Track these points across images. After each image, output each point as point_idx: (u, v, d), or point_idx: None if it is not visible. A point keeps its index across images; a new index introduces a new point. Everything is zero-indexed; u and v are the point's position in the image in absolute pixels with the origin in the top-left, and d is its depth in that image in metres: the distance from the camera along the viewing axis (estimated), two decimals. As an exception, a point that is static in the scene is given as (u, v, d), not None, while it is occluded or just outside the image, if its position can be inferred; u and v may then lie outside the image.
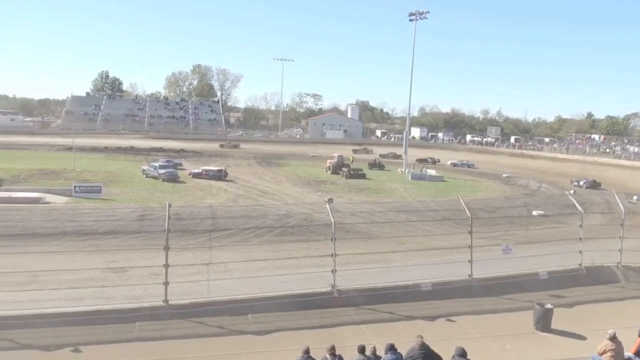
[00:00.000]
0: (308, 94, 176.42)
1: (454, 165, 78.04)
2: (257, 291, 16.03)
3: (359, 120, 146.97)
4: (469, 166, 77.19)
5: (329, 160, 62.12)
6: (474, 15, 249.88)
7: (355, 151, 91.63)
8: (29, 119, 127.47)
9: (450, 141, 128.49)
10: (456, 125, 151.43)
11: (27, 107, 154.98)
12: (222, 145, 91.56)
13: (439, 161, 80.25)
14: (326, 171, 60.39)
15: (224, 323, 14.24)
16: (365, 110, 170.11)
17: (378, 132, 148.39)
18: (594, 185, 56.19)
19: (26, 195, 33.79)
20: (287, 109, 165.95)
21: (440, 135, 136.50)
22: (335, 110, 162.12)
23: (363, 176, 56.42)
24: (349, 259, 17.74)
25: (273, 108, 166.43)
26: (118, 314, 14.17)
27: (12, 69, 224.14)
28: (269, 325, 14.24)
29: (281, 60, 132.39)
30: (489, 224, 27.17)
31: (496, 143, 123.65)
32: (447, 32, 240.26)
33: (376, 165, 67.76)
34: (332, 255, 15.76)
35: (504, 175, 65.53)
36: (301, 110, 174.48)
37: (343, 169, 58.04)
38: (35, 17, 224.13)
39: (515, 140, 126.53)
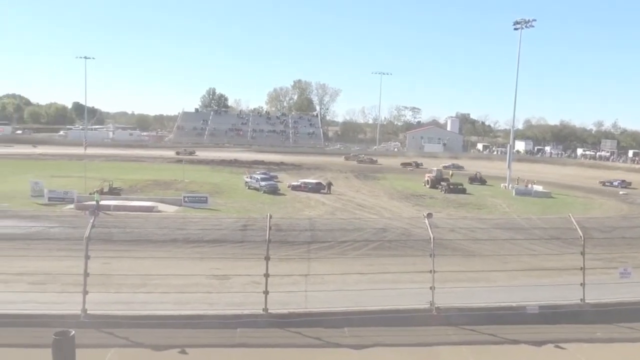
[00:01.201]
0: (406, 107, 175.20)
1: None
2: (353, 304, 15.96)
3: (459, 133, 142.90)
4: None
5: (427, 174, 60.99)
6: (582, 22, 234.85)
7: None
8: (145, 133, 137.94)
9: (559, 155, 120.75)
10: (565, 139, 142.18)
11: (143, 122, 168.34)
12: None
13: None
14: (424, 185, 59.29)
15: (321, 335, 14.31)
16: (466, 123, 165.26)
17: (479, 146, 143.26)
18: None
19: (141, 204, 36.55)
20: (384, 123, 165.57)
21: (547, 148, 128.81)
22: (434, 123, 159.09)
23: (463, 191, 54.66)
24: (448, 276, 17.15)
25: (371, 121, 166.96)
26: (221, 319, 14.74)
27: (131, 88, 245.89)
28: (365, 339, 14.09)
29: (379, 73, 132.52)
30: (604, 245, 25.05)
31: (611, 157, 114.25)
32: (554, 41, 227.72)
33: (477, 179, 65.39)
34: (430, 271, 15.32)
35: (620, 193, 60.31)
36: (399, 124, 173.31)
37: (442, 183, 56.66)
38: (152, 43, 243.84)
39: (634, 154, 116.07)
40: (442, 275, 15.72)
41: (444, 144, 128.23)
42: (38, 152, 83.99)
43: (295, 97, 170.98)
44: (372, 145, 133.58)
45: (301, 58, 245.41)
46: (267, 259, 15.17)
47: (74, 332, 13.05)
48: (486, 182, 65.38)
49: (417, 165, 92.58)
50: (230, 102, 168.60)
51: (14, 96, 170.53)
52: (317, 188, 49.55)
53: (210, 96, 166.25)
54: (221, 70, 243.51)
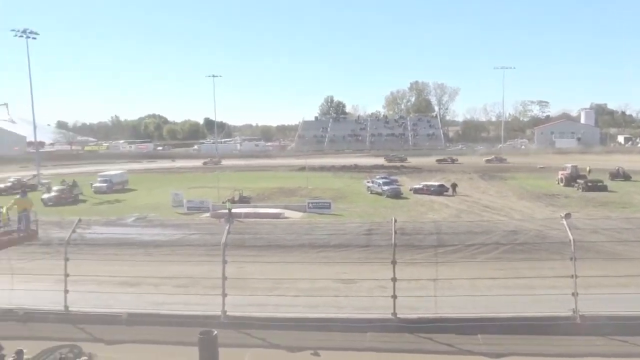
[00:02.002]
0: (532, 102, 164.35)
1: None
2: (485, 311, 15.30)
3: (595, 125, 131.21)
4: None
5: (560, 172, 56.66)
6: None
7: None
8: (269, 143, 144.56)
9: None
10: None
11: (267, 133, 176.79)
12: (439, 161, 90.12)
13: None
14: (558, 183, 55.15)
15: (453, 341, 13.88)
16: (603, 115, 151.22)
17: (620, 138, 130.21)
18: None
19: (269, 211, 38.28)
20: (509, 119, 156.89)
21: None
22: (565, 116, 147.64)
23: (603, 188, 49.91)
24: (591, 281, 15.76)
25: (494, 119, 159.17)
26: (350, 323, 14.91)
27: (254, 101, 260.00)
28: (501, 347, 13.41)
29: (501, 68, 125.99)
30: None
31: None
32: None
33: (619, 175, 59.28)
34: (572, 276, 14.18)
35: None
36: (525, 120, 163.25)
37: (578, 180, 52.24)
38: (271, 58, 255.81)
39: None
40: (584, 280, 14.48)
41: (578, 138, 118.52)
42: (177, 166, 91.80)
43: (413, 99, 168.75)
44: (496, 144, 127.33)
45: (417, 59, 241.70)
46: (394, 263, 15.07)
47: (216, 332, 14.02)
48: (631, 177, 59.10)
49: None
50: (348, 109, 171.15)
51: (154, 116, 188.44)
52: (440, 190, 48.34)
53: (329, 104, 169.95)
54: (338, 78, 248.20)
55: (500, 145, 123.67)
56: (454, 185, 49.36)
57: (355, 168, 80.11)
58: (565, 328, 14.02)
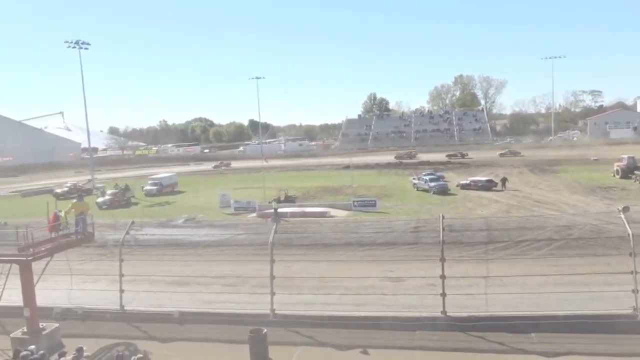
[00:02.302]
0: (584, 91, 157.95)
1: None
2: (538, 308, 14.89)
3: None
4: None
5: (616, 163, 54.25)
6: None
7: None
8: (312, 143, 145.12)
9: None
10: None
11: (310, 132, 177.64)
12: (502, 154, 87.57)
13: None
14: (614, 176, 52.84)
15: (505, 340, 13.59)
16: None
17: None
18: None
19: (315, 210, 38.42)
20: (559, 111, 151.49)
21: None
22: (620, 105, 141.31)
23: (664, 180, 47.48)
24: (653, 277, 15.06)
25: (543, 111, 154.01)
26: (399, 322, 14.83)
27: (297, 101, 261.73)
28: (557, 347, 13.02)
29: (550, 58, 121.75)
30: None
31: None
32: None
33: (682, 165, 56.13)
34: (631, 272, 13.62)
35: None
36: (577, 110, 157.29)
37: (636, 172, 49.87)
38: (313, 58, 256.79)
39: None
40: (645, 276, 13.87)
41: (634, 128, 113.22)
42: (223, 168, 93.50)
43: (458, 93, 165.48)
44: (546, 136, 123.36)
45: (462, 53, 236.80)
46: (443, 260, 14.89)
47: (266, 330, 14.22)
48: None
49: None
50: (391, 105, 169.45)
51: (200, 119, 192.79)
52: (488, 186, 47.22)
53: (372, 101, 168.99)
54: (381, 75, 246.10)
55: (550, 138, 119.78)
56: (504, 180, 48.09)
57: (400, 165, 79.41)
58: (624, 326, 13.49)
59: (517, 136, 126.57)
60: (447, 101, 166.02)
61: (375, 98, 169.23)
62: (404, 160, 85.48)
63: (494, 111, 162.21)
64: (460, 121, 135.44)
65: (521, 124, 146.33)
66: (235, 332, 15.13)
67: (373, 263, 21.73)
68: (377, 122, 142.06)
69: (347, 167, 62.81)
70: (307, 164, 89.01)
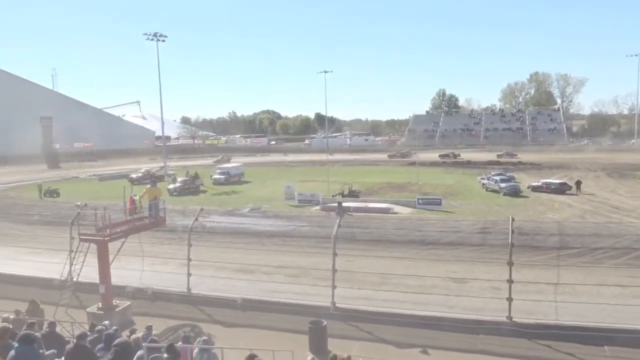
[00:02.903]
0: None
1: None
2: (613, 321, 14.07)
3: None
4: None
5: None
6: None
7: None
8: (378, 138, 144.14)
9: None
10: None
11: (376, 128, 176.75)
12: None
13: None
14: None
15: (575, 351, 12.96)
16: None
17: None
18: None
19: (378, 206, 38.16)
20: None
21: None
22: None
23: None
24: None
25: (626, 112, 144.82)
26: (461, 324, 14.48)
27: (364, 96, 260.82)
28: (632, 362, 12.27)
29: (636, 56, 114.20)
30: None
31: None
32: None
33: None
34: None
35: None
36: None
37: None
38: (381, 52, 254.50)
39: None
40: None
41: None
42: (288, 160, 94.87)
43: (532, 91, 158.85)
44: (628, 139, 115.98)
45: (537, 49, 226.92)
46: (510, 264, 14.38)
47: (325, 322, 14.31)
48: None
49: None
50: (460, 102, 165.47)
51: (268, 112, 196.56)
52: (561, 189, 45.05)
53: (441, 97, 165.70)
54: (451, 71, 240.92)
55: (633, 141, 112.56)
56: (578, 183, 45.71)
57: (468, 164, 77.38)
58: None
59: (595, 138, 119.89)
60: (521, 99, 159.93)
61: (444, 94, 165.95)
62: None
63: (571, 111, 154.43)
64: (534, 120, 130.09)
65: (600, 125, 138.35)
66: (295, 322, 15.33)
67: (436, 262, 21.28)
68: (446, 119, 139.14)
69: (412, 163, 62.00)
70: (372, 159, 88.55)
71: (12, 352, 6.74)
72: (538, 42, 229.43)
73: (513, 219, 15.22)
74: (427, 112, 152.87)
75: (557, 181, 47.79)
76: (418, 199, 39.64)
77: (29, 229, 30.83)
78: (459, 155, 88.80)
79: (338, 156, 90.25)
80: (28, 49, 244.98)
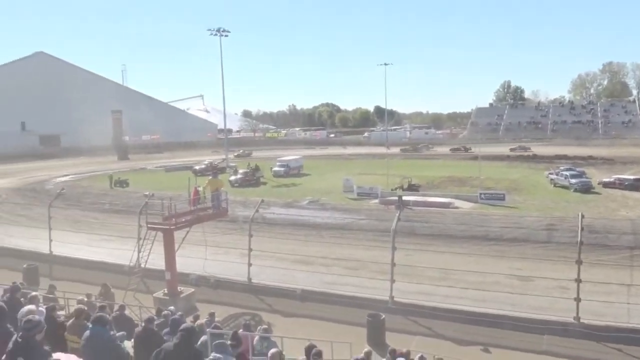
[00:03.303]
0: None
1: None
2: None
3: None
4: None
5: None
6: None
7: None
8: (439, 131, 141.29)
9: None
10: None
11: (437, 121, 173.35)
12: None
13: None
14: None
15: (650, 356, 12.27)
16: None
17: None
18: None
19: (439, 200, 37.47)
20: None
21: None
22: None
23: None
24: None
25: None
26: (525, 323, 14.04)
27: (425, 88, 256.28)
28: None
29: None
30: None
31: None
32: None
33: None
34: None
35: None
36: None
37: None
38: (442, 44, 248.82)
39: None
40: None
41: None
42: (347, 153, 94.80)
43: (605, 82, 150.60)
44: None
45: (610, 38, 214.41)
46: (579, 262, 13.80)
47: (384, 316, 14.27)
48: None
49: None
50: (526, 94, 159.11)
51: (327, 105, 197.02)
52: (636, 185, 42.36)
53: (505, 89, 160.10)
54: (516, 62, 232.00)
55: None
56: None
57: (534, 158, 74.41)
58: None
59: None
60: (592, 91, 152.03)
61: (509, 86, 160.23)
62: (517, 154, 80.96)
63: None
64: (607, 113, 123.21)
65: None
66: (353, 314, 15.37)
67: (499, 259, 20.67)
68: (510, 112, 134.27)
69: (474, 157, 60.43)
70: (433, 153, 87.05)
71: (87, 332, 7.13)
72: (611, 30, 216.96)
73: (583, 216, 14.55)
74: (491, 104, 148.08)
75: (632, 177, 45.05)
76: (480, 193, 38.59)
77: (101, 217, 32.50)
78: (530, 149, 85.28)
79: (393, 149, 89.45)
80: (100, 45, 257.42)
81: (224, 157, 76.28)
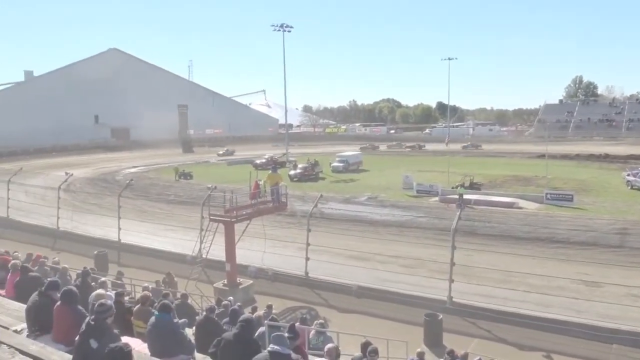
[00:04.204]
0: None
1: None
2: None
3: None
4: None
5: None
6: None
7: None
8: (504, 128, 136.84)
9: None
10: None
11: (502, 117, 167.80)
12: None
13: None
14: None
15: None
16: None
17: None
18: None
19: (502, 199, 36.32)
20: None
21: None
22: None
23: None
24: None
25: None
26: (592, 331, 13.40)
27: (490, 84, 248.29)
28: None
29: None
30: None
31: None
32: None
33: None
34: None
35: None
36: None
37: None
38: (509, 39, 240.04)
39: None
40: None
41: None
42: (407, 149, 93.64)
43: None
44: None
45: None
46: (654, 270, 12.97)
47: (441, 316, 14.02)
48: None
49: (477, 147, 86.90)
50: (600, 90, 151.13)
51: (388, 100, 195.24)
52: None
53: (577, 85, 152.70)
54: (589, 56, 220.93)
55: None
56: None
57: (606, 158, 70.51)
58: None
59: None
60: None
61: (580, 81, 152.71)
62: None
63: None
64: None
65: None
66: (410, 313, 15.21)
67: (565, 262, 19.79)
68: (582, 108, 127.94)
69: (541, 156, 58.08)
70: (497, 151, 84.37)
71: (153, 319, 7.45)
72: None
73: (660, 220, 13.67)
74: (561, 100, 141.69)
75: None
76: (546, 193, 37.06)
77: (166, 208, 33.79)
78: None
79: (453, 146, 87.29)
80: (167, 41, 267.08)
81: (284, 151, 77.29)
